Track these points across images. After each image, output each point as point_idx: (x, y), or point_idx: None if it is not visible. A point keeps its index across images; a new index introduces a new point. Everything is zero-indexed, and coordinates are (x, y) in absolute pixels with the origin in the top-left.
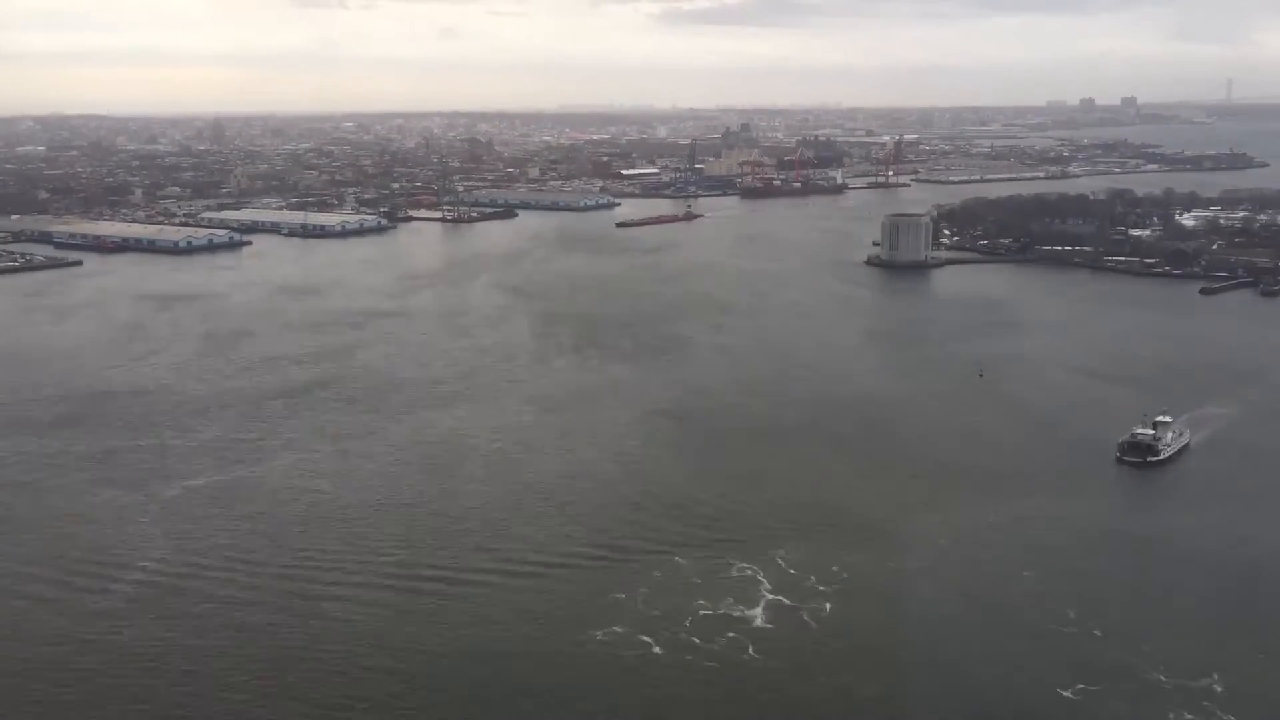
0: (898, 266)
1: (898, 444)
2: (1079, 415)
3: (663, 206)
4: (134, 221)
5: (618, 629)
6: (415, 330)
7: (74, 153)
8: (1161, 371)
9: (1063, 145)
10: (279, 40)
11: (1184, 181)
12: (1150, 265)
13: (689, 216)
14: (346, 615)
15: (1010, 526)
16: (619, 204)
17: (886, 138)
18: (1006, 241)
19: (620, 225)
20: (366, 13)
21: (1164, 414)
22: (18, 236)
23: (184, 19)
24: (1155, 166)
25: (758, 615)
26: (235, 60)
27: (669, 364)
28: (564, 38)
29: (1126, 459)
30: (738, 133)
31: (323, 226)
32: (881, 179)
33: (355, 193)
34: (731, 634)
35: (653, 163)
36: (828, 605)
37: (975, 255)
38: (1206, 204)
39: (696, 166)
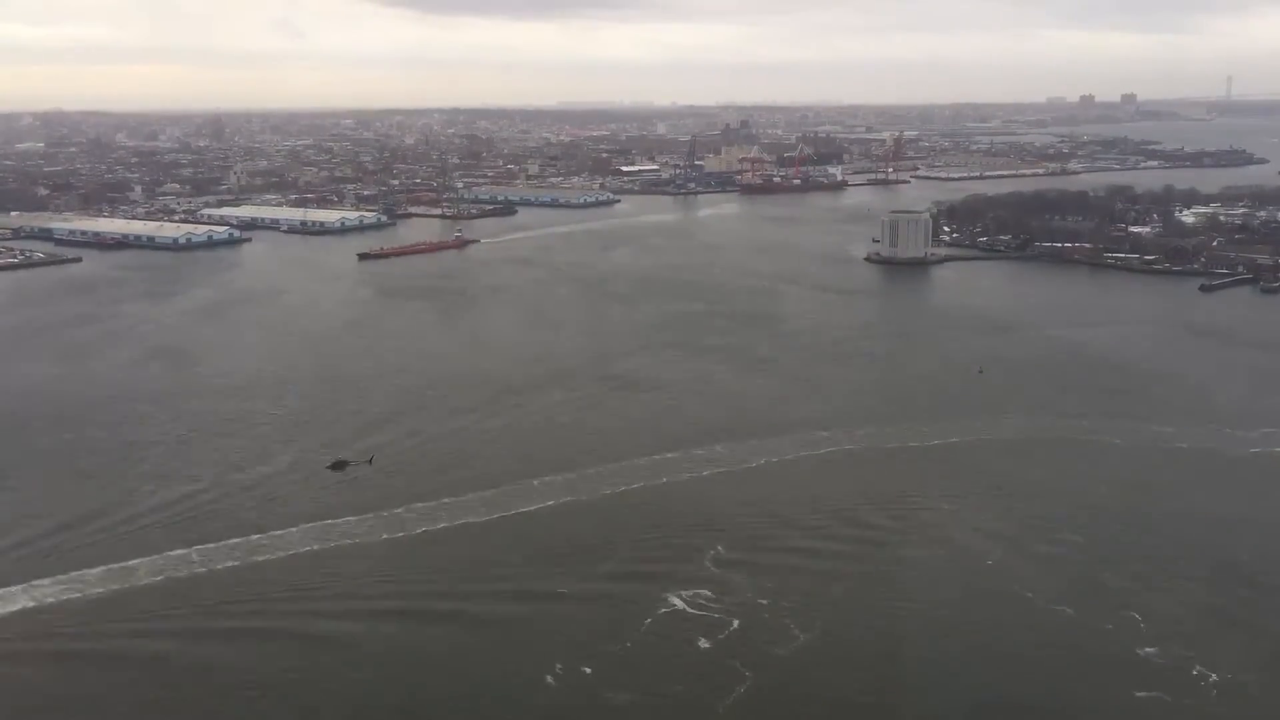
0: (898, 263)
1: None
2: None
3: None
4: (133, 218)
5: None
6: None
7: (73, 149)
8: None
9: (1062, 142)
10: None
11: (1184, 178)
12: (1150, 262)
13: (461, 243)
14: None
15: None
16: (619, 200)
17: (886, 134)
18: (1006, 238)
19: (363, 258)
20: None
21: None
22: (17, 233)
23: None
24: (1155, 163)
25: None
26: (240, 58)
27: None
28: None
29: None
30: (737, 129)
31: (322, 223)
32: (881, 176)
33: (355, 189)
34: None
35: (652, 159)
36: None
37: (975, 252)
38: (1206, 200)
39: (696, 163)
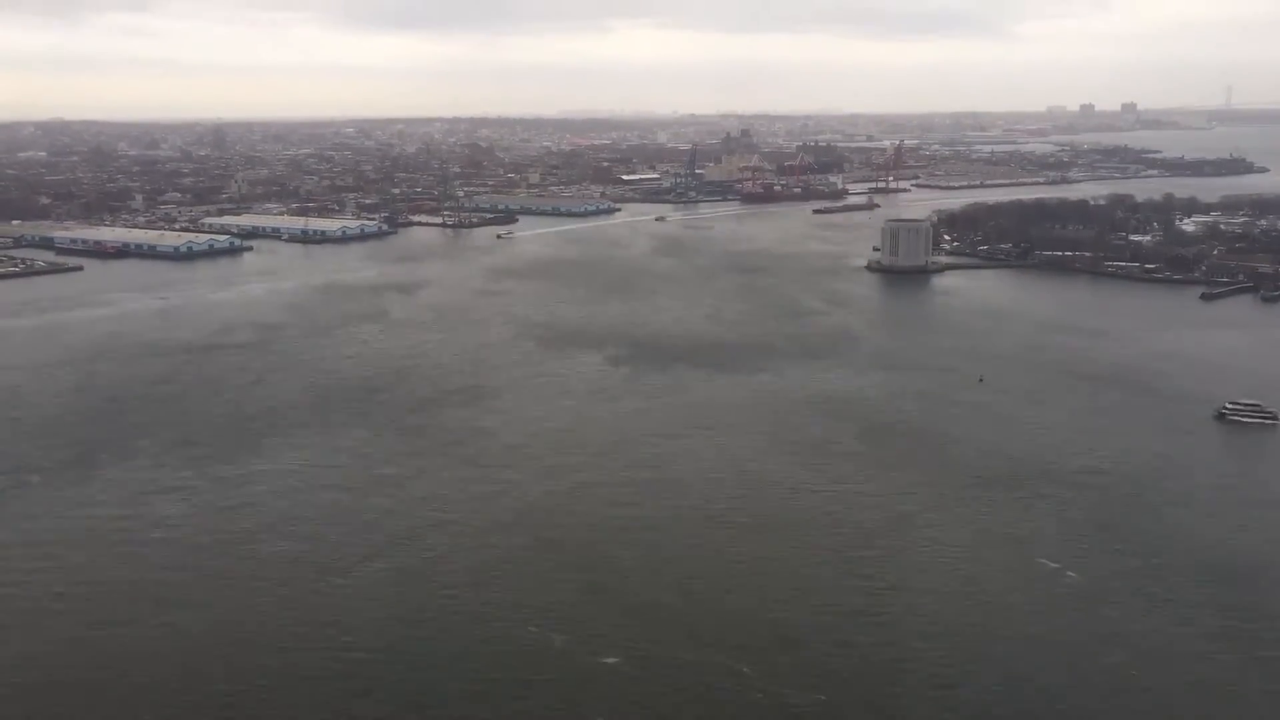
0: (898, 272)
1: None
2: None
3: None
4: (135, 227)
5: None
6: None
7: (75, 158)
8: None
9: (1063, 151)
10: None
11: (1184, 187)
12: (1150, 271)
13: None
14: None
15: None
16: (619, 209)
17: (887, 143)
18: (1007, 247)
19: None
20: None
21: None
22: (19, 242)
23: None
24: (1155, 172)
25: None
26: (236, 67)
27: None
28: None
29: None
30: (738, 138)
31: (323, 232)
32: (882, 184)
33: (356, 198)
34: None
35: (653, 168)
36: None
37: (975, 260)
38: (1206, 209)
39: (697, 171)
